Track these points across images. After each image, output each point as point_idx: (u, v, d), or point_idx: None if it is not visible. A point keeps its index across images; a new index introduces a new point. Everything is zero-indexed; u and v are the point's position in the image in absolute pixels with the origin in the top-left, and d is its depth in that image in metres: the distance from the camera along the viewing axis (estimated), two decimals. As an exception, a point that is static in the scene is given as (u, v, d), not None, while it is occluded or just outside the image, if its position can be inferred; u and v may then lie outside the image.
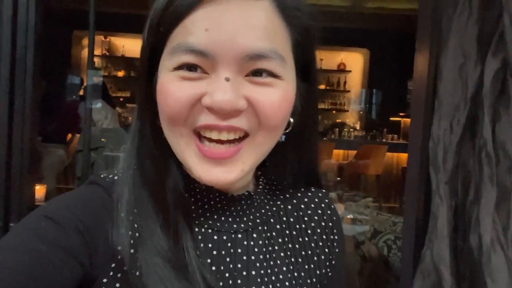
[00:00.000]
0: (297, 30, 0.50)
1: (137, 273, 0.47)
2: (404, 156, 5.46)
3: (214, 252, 0.52)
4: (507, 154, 1.07)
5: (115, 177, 0.53)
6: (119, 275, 0.48)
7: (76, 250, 0.46)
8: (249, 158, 0.49)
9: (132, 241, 0.48)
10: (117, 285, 0.48)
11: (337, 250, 0.60)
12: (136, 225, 0.49)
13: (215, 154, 0.47)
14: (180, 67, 0.46)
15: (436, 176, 1.15)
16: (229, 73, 0.45)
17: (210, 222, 0.53)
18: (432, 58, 1.23)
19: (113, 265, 0.48)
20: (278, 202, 0.60)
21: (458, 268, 1.13)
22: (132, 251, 0.48)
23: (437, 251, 1.12)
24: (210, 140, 0.47)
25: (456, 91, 1.13)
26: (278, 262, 0.55)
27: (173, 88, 0.46)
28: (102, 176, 0.54)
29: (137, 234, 0.49)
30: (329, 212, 0.62)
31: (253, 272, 0.52)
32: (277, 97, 0.47)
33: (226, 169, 0.47)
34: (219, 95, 0.44)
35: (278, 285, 0.53)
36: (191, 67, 0.46)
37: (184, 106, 0.46)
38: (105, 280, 0.48)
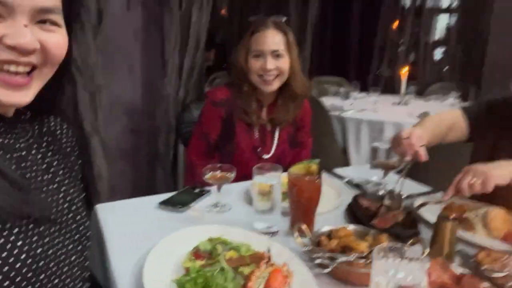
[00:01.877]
0: None
1: None
2: None
3: (13, 167, 0.63)
4: (88, 65, 1.48)
5: None
6: None
7: None
8: (38, 85, 0.61)
9: None
10: None
11: (79, 160, 0.83)
12: None
13: (16, 82, 0.58)
14: None
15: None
16: (25, 21, 0.55)
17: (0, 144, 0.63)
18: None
19: None
20: (36, 127, 0.74)
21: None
22: None
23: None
24: (8, 72, 0.57)
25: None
26: (55, 163, 0.73)
27: None
28: None
29: None
30: (70, 132, 0.81)
31: (46, 176, 0.70)
32: (60, 40, 0.61)
33: (23, 93, 0.59)
34: (21, 37, 0.55)
35: (60, 178, 0.73)
36: None
37: None
38: None
